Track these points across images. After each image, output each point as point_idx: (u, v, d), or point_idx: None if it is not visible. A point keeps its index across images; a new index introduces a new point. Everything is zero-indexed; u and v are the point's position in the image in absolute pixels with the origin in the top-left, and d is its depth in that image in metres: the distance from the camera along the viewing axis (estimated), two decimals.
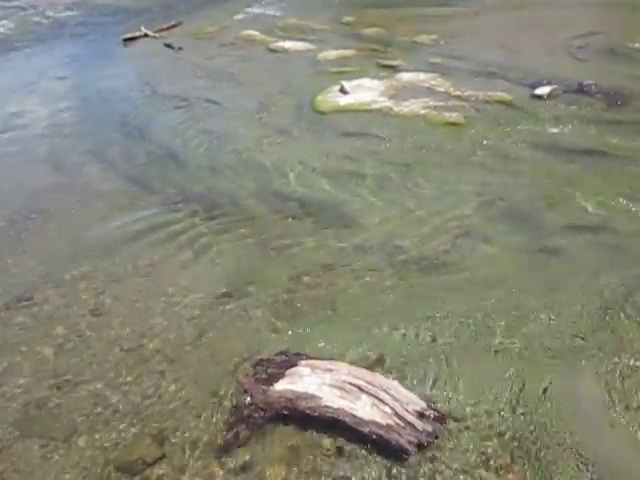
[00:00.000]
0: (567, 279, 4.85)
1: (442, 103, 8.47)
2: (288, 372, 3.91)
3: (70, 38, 14.39)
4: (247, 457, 3.53)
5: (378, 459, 3.46)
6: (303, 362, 3.99)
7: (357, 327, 4.47)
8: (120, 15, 16.48)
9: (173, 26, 14.64)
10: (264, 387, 3.84)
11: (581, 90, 8.52)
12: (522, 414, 3.68)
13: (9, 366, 4.37)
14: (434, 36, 11.93)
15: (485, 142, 7.28)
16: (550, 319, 4.44)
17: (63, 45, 13.77)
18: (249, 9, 15.87)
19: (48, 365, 4.36)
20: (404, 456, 3.42)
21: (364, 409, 3.58)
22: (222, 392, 3.98)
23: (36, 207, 6.55)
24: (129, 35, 13.78)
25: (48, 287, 5.19)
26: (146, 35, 13.90)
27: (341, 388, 3.71)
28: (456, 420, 3.66)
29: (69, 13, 17.11)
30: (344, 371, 3.85)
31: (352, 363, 4.04)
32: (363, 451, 3.51)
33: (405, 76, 9.68)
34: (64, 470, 3.56)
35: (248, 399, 3.81)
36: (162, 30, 14.20)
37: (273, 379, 3.88)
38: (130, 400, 3.99)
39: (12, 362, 4.41)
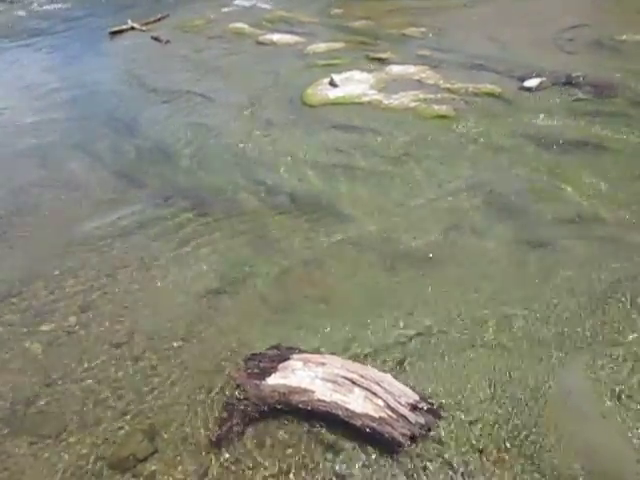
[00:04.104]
0: (557, 271, 4.87)
1: (432, 96, 8.46)
2: (281, 366, 3.89)
3: (55, 32, 14.21)
4: (240, 452, 3.52)
5: (371, 452, 3.46)
6: (296, 356, 3.98)
7: (349, 321, 4.46)
8: (106, 8, 16.31)
9: (160, 19, 14.51)
10: (257, 381, 3.82)
11: (570, 82, 8.53)
12: (515, 406, 3.70)
13: None
14: (423, 29, 11.90)
15: (474, 134, 7.28)
16: (541, 311, 4.45)
17: (48, 39, 13.60)
18: (237, 2, 15.75)
19: (37, 362, 4.31)
20: (397, 448, 3.42)
21: (357, 402, 3.58)
22: (214, 387, 3.96)
23: (23, 202, 6.48)
24: (116, 28, 13.63)
25: (36, 283, 5.13)
26: (133, 28, 13.76)
27: (334, 382, 3.70)
28: (449, 412, 3.66)
29: (54, 6, 16.90)
30: (337, 364, 3.84)
31: (345, 356, 4.04)
32: (356, 444, 3.50)
33: (395, 69, 9.65)
34: (55, 468, 3.52)
35: (241, 394, 3.80)
36: (149, 23, 14.06)
37: (266, 373, 3.86)
38: (121, 396, 3.96)
39: (0, 359, 4.35)
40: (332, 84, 9.07)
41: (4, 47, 13.19)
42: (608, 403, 3.68)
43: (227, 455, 3.51)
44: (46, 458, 3.59)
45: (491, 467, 3.34)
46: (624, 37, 10.26)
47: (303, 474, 3.36)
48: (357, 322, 4.45)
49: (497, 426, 3.57)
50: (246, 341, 4.32)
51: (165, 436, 3.66)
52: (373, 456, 3.44)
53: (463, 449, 3.44)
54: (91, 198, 6.50)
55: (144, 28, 13.70)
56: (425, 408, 3.59)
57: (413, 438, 3.45)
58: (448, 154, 6.88)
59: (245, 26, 13.15)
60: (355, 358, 4.05)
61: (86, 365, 4.24)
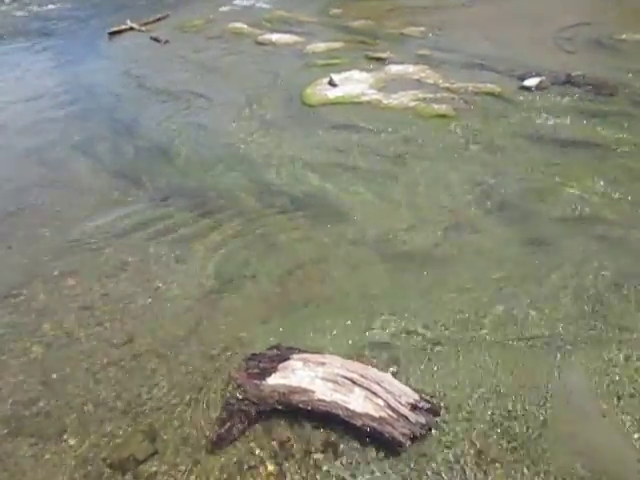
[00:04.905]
0: (557, 270, 4.87)
1: (431, 95, 8.46)
2: (281, 366, 3.89)
3: (54, 32, 14.21)
4: (240, 452, 3.51)
5: (371, 452, 3.46)
6: (296, 356, 3.97)
7: (349, 320, 4.46)
8: (105, 8, 16.31)
9: (159, 19, 14.52)
10: (257, 382, 3.81)
11: (569, 81, 8.55)
12: (514, 405, 3.69)
13: None
14: (422, 28, 11.91)
15: (474, 134, 7.28)
16: (541, 310, 4.45)
17: (47, 39, 13.59)
18: (236, 1, 15.76)
19: (37, 362, 4.30)
20: (397, 448, 3.42)
21: (357, 402, 3.58)
22: (214, 387, 3.95)
23: (22, 202, 6.46)
24: (115, 29, 13.64)
25: (35, 283, 5.12)
26: (132, 28, 13.76)
27: (334, 381, 3.70)
28: (449, 412, 3.66)
29: (53, 6, 16.90)
30: (337, 364, 3.84)
31: (345, 356, 4.03)
32: (356, 444, 3.50)
33: (394, 68, 9.66)
34: (55, 469, 3.52)
35: (241, 394, 3.79)
36: (148, 23, 14.07)
37: (266, 373, 3.86)
38: (121, 397, 3.95)
39: (0, 360, 4.35)
40: (331, 84, 9.07)
41: (3, 48, 13.18)
42: (609, 402, 3.68)
43: (227, 455, 3.51)
44: (46, 459, 3.58)
45: (491, 467, 3.34)
46: (623, 36, 10.28)
47: (303, 474, 3.35)
48: (357, 321, 4.44)
49: (497, 425, 3.57)
50: (246, 341, 4.32)
51: (165, 437, 3.65)
52: (373, 456, 3.43)
53: (463, 449, 3.44)
54: (91, 198, 6.49)
55: (143, 28, 13.71)
56: (425, 407, 3.59)
57: (413, 438, 3.45)
58: (448, 153, 6.88)
59: (244, 26, 13.16)
60: (355, 358, 4.05)
61: (86, 366, 4.23)
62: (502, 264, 4.99)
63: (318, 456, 3.45)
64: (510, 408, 3.68)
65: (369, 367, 3.87)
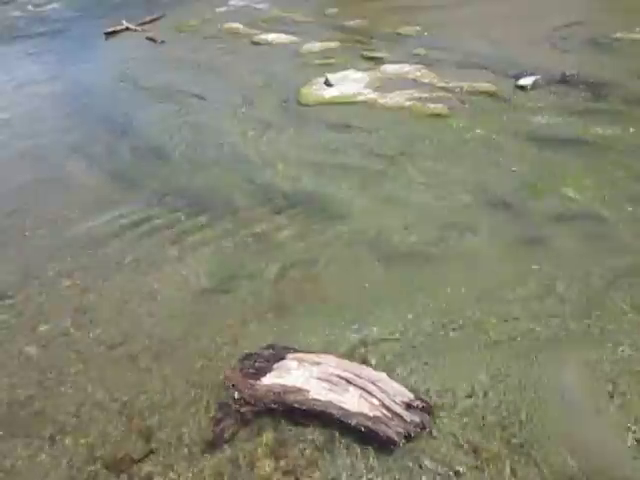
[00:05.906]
0: (552, 268, 4.88)
1: (427, 95, 8.47)
2: (276, 366, 3.90)
3: (50, 32, 14.21)
4: (235, 452, 3.52)
5: (366, 450, 3.46)
6: (291, 355, 3.98)
7: (345, 320, 4.46)
8: (101, 9, 16.29)
9: (155, 19, 14.53)
10: (252, 381, 3.82)
11: (564, 80, 8.56)
12: (509, 403, 3.70)
13: None
14: (418, 27, 11.91)
15: (469, 133, 7.29)
16: (535, 308, 4.46)
17: (43, 40, 13.59)
18: (232, 2, 15.75)
19: (32, 363, 4.31)
20: (391, 447, 3.43)
21: (352, 401, 3.58)
22: (209, 387, 3.96)
23: (17, 203, 6.47)
24: (110, 29, 13.65)
25: (30, 284, 5.12)
26: (128, 29, 13.77)
27: (329, 381, 3.71)
28: (443, 410, 3.67)
29: (49, 7, 16.90)
30: (332, 364, 3.85)
31: (340, 356, 4.04)
32: (351, 443, 3.51)
33: (390, 68, 9.67)
34: (50, 469, 3.52)
35: (235, 394, 3.80)
36: (144, 24, 14.07)
37: (261, 373, 3.86)
38: (116, 397, 3.96)
39: None
40: (327, 83, 9.08)
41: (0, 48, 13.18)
42: (604, 400, 3.69)
43: (223, 455, 3.51)
44: (41, 460, 3.59)
45: (487, 465, 3.35)
46: (618, 35, 10.28)
47: (298, 474, 3.36)
48: (353, 321, 4.45)
49: (493, 424, 3.58)
50: (242, 341, 4.32)
51: (161, 437, 3.66)
52: (368, 455, 3.44)
53: (458, 447, 3.45)
54: (86, 199, 6.49)
55: (139, 29, 13.71)
56: (420, 406, 3.60)
57: (408, 437, 3.45)
58: (443, 152, 6.89)
59: (240, 26, 13.16)
60: (351, 357, 4.06)
61: (82, 366, 4.24)
62: (499, 263, 4.99)
63: (312, 456, 3.45)
64: (506, 406, 3.68)
65: (364, 366, 3.88)
